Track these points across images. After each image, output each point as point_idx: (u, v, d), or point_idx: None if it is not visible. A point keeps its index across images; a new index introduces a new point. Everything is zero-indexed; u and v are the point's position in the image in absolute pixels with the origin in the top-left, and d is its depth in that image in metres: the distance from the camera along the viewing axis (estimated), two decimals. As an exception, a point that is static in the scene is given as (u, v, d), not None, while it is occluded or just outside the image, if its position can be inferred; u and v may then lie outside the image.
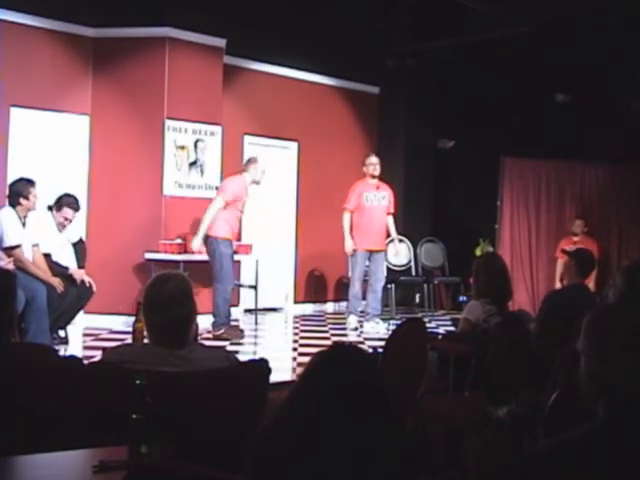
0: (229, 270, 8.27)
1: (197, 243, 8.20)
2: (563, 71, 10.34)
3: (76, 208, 7.47)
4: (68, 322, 7.44)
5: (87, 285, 7.34)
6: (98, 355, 5.60)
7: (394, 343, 4.40)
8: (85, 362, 3.30)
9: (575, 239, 10.15)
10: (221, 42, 9.39)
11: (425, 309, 10.84)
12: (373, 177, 9.21)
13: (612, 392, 1.92)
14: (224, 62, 9.51)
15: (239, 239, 9.31)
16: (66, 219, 7.42)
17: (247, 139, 10.36)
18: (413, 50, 11.17)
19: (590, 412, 1.95)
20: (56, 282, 6.93)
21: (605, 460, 1.80)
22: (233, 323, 8.62)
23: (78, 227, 8.19)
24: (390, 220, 9.30)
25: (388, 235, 9.43)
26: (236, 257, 9.63)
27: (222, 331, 8.10)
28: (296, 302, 10.90)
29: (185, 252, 8.77)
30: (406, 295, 11.35)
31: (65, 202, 7.41)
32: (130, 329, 4.47)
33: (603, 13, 9.16)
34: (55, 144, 8.80)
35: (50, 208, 7.43)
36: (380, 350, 4.63)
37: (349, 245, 9.06)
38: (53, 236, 7.38)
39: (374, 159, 9.30)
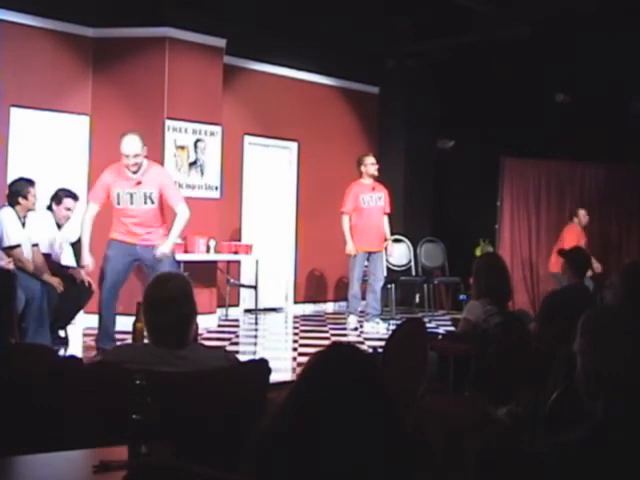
0: (105, 274, 6.73)
1: (85, 260, 6.85)
2: (563, 71, 10.34)
3: (75, 197, 7.46)
4: (68, 322, 7.44)
5: (87, 285, 7.34)
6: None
7: (394, 343, 4.40)
8: (85, 362, 3.30)
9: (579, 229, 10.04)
10: (221, 42, 9.39)
11: (425, 309, 10.84)
12: (372, 177, 9.19)
13: (609, 391, 1.92)
14: (224, 62, 9.51)
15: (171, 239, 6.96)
16: (68, 209, 7.38)
17: (247, 139, 10.37)
18: (413, 50, 11.18)
19: (589, 412, 1.95)
20: (56, 282, 6.92)
21: (604, 460, 1.80)
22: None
23: (76, 227, 8.19)
24: (386, 221, 9.28)
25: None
26: (236, 257, 9.64)
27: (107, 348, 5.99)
28: (296, 302, 10.90)
29: (186, 252, 8.79)
30: (406, 295, 11.35)
31: (63, 194, 7.41)
32: (130, 329, 4.48)
33: (603, 13, 9.16)
34: (55, 144, 8.80)
35: (49, 207, 7.41)
36: (380, 350, 4.63)
37: (351, 247, 9.05)
38: (53, 236, 7.37)
39: (373, 158, 9.28)
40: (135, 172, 6.64)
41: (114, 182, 6.68)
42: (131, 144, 6.59)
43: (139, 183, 6.65)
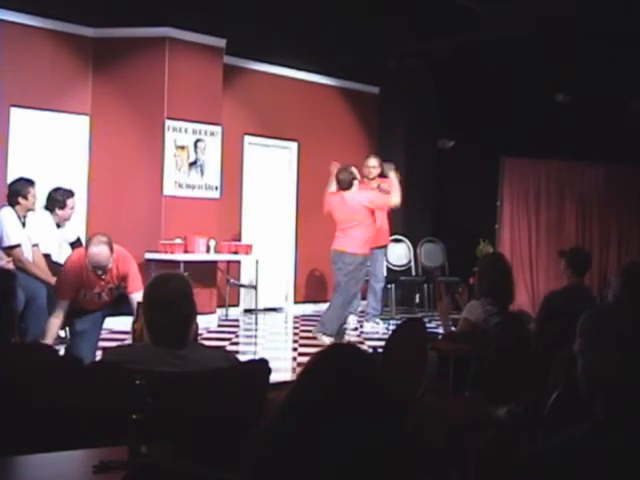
0: (83, 353, 5.59)
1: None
2: (563, 71, 10.34)
3: (73, 193, 7.50)
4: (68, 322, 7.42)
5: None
6: (98, 355, 5.60)
7: (394, 343, 4.40)
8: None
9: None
10: (221, 42, 9.40)
11: (425, 309, 10.84)
12: (366, 178, 9.17)
13: (609, 391, 1.92)
14: (224, 62, 9.52)
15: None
16: (72, 208, 7.45)
17: (247, 139, 10.37)
18: (413, 50, 11.17)
19: (589, 412, 1.95)
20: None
21: (604, 460, 1.80)
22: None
23: (76, 227, 8.19)
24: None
25: (389, 234, 9.49)
26: (236, 257, 9.65)
27: None
28: (296, 302, 10.90)
29: (186, 252, 8.79)
30: (406, 295, 11.35)
31: (61, 196, 7.40)
32: (130, 329, 4.48)
33: (603, 13, 9.16)
34: (55, 144, 8.80)
35: (48, 209, 7.39)
36: (380, 350, 4.63)
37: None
38: (53, 236, 7.37)
39: (372, 161, 9.24)
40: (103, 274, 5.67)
41: (80, 284, 5.74)
42: (102, 256, 5.50)
43: (107, 283, 5.75)
